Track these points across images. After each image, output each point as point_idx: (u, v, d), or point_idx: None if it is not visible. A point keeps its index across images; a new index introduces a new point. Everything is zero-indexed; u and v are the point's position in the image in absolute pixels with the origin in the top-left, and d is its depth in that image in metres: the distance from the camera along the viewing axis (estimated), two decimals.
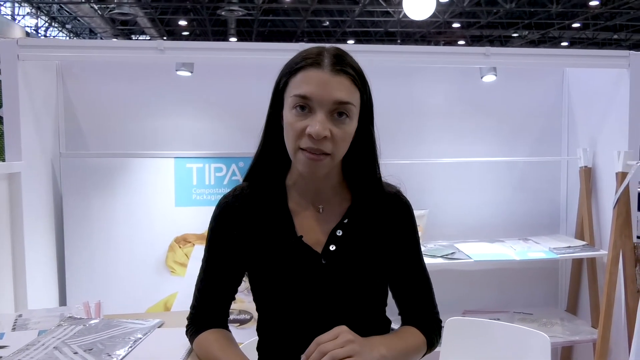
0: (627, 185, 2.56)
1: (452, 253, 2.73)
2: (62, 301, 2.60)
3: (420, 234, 2.84)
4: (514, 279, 3.13)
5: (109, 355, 1.15)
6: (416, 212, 2.88)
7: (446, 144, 3.01)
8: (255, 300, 1.16)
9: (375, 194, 1.15)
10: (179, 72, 2.48)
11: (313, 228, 1.10)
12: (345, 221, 1.11)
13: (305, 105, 1.01)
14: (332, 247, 1.09)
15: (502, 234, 3.05)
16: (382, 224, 1.14)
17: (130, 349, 1.20)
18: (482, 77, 2.76)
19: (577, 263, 3.05)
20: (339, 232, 1.10)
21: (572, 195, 3.11)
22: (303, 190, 1.13)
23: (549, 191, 3.16)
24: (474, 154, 2.99)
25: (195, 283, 1.22)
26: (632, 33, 16.74)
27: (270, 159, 1.12)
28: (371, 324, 1.13)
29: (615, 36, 16.99)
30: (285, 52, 1.99)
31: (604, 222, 2.85)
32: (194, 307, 1.20)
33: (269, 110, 1.13)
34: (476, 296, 3.10)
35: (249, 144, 2.57)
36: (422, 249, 2.82)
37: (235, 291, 1.18)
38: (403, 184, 1.24)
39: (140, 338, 1.27)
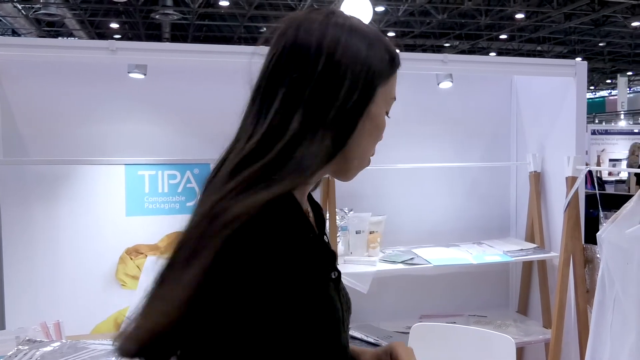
0: (577, 189, 2.66)
1: (411, 258, 2.73)
2: (1, 321, 2.39)
3: (378, 240, 2.85)
4: (467, 283, 3.18)
5: None
6: (374, 218, 2.89)
7: (402, 150, 3.02)
8: None
9: None
10: (131, 75, 2.35)
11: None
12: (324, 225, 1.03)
13: None
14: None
15: (457, 238, 3.10)
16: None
17: None
18: (438, 84, 2.80)
19: (527, 265, 3.14)
20: (326, 238, 0.99)
21: (521, 199, 3.20)
22: (302, 199, 0.90)
23: (500, 195, 3.24)
24: (429, 159, 3.02)
25: None
26: (554, 45, 17.70)
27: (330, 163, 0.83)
28: None
29: (539, 48, 17.92)
30: (244, 55, 1.93)
31: (553, 224, 2.95)
32: None
33: (356, 97, 0.82)
34: (431, 300, 3.12)
35: (205, 151, 2.50)
36: (381, 255, 2.83)
37: None
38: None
39: None
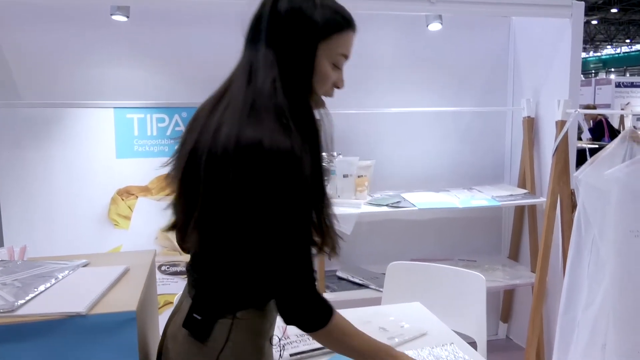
0: (566, 133, 2.62)
1: (398, 202, 2.76)
2: None
3: (366, 184, 2.88)
4: (459, 229, 3.20)
5: (25, 292, 1.12)
6: (363, 163, 2.91)
7: (393, 95, 3.01)
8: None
9: None
10: (114, 17, 2.38)
11: None
12: None
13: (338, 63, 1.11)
14: None
15: (448, 184, 3.10)
16: None
17: (50, 286, 1.17)
18: (427, 26, 2.75)
19: (519, 212, 3.14)
20: None
21: (516, 145, 3.17)
22: None
23: (494, 142, 3.22)
24: (420, 104, 3.01)
25: (293, 256, 1.00)
26: None
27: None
28: None
29: None
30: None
31: (545, 170, 2.92)
32: (312, 278, 1.02)
33: (299, 47, 1.03)
34: (422, 246, 3.16)
35: (193, 95, 2.53)
36: (369, 198, 2.87)
37: None
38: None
39: (62, 276, 1.24)
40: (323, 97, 1.11)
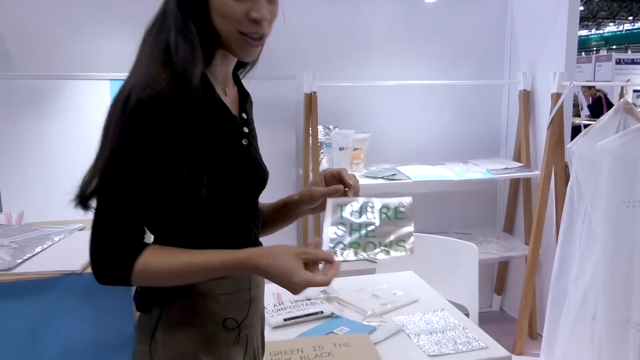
0: (562, 106, 2.63)
1: (393, 175, 2.78)
2: None
3: (362, 157, 2.89)
4: (454, 202, 3.22)
5: (22, 253, 1.14)
6: (358, 136, 2.92)
7: (389, 68, 3.01)
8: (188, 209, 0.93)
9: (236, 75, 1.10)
10: None
11: (232, 110, 1.03)
12: (244, 104, 1.06)
13: None
14: (245, 129, 1.03)
15: (444, 158, 3.12)
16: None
17: (45, 248, 1.20)
18: None
19: (514, 185, 3.16)
20: (244, 115, 1.04)
21: (512, 119, 3.18)
22: (217, 73, 1.00)
23: (490, 115, 3.22)
24: (416, 77, 3.00)
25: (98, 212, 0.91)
26: None
27: (201, 40, 0.93)
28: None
29: None
30: None
31: (540, 144, 2.93)
32: (112, 237, 0.90)
33: None
34: (417, 219, 3.11)
35: None
36: (364, 171, 2.88)
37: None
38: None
39: (58, 239, 1.26)
40: (252, 39, 0.94)
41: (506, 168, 2.91)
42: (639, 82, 8.71)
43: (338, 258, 0.94)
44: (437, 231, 3.10)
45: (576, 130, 2.95)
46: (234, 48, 0.95)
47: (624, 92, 7.59)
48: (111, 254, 0.88)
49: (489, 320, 3.13)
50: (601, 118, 2.24)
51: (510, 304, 3.29)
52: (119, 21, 2.66)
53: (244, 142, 1.01)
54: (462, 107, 3.15)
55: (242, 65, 1.10)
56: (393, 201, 1.03)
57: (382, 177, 2.73)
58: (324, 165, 2.85)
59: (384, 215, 1.01)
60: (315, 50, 2.89)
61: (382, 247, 0.97)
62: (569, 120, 2.83)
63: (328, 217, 1.00)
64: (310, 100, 2.71)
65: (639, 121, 2.12)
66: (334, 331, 1.56)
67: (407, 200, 1.03)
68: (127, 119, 0.86)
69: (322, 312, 1.66)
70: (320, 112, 2.72)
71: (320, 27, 2.90)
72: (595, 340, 2.24)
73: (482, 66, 3.14)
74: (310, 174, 2.80)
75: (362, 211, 1.01)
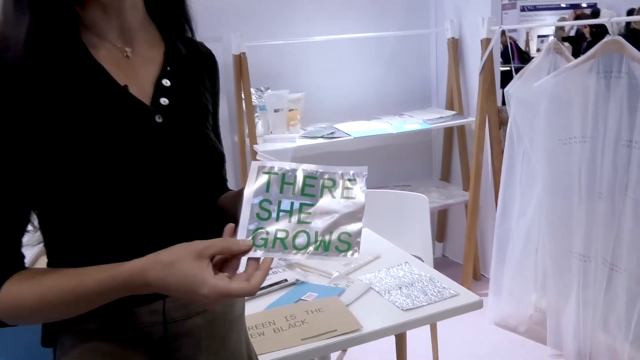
0: (492, 51, 2.65)
1: (332, 133, 2.72)
2: None
3: (297, 117, 2.80)
4: (391, 155, 3.22)
5: None
6: (293, 96, 2.82)
7: (318, 23, 2.91)
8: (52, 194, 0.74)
9: (186, 38, 0.91)
10: None
11: (130, 77, 0.80)
12: (169, 69, 0.85)
13: None
14: (164, 101, 0.82)
15: (379, 112, 3.09)
16: (201, 77, 0.91)
17: None
18: None
19: (448, 133, 3.20)
20: (166, 82, 0.83)
21: (441, 68, 3.19)
22: (103, 30, 0.80)
23: (420, 65, 3.22)
24: (345, 31, 2.92)
25: None
26: None
27: None
28: (209, 209, 0.87)
29: None
30: None
31: (472, 91, 2.97)
32: None
33: None
34: None
35: None
36: (302, 132, 2.80)
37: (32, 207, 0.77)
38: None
39: None
40: None
41: (441, 117, 2.93)
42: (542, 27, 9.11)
43: (256, 254, 0.70)
44: (377, 186, 3.10)
45: (506, 75, 3.00)
46: None
47: (529, 37, 7.92)
48: None
49: (435, 267, 3.20)
50: (533, 60, 2.28)
51: (451, 250, 3.38)
52: None
53: (158, 118, 0.80)
54: (392, 59, 3.12)
55: (172, 22, 0.90)
56: (340, 172, 0.78)
57: (321, 137, 2.67)
58: (259, 129, 2.74)
59: (326, 191, 0.76)
60: (241, 8, 2.74)
61: (318, 242, 0.73)
62: (497, 66, 2.87)
63: (249, 188, 0.75)
64: (240, 62, 2.57)
65: (568, 60, 2.17)
66: (303, 298, 1.50)
67: (358, 171, 0.78)
68: None
69: (286, 280, 1.60)
70: (251, 74, 2.59)
71: None
72: (539, 274, 2.34)
73: (408, 16, 3.11)
74: (247, 140, 2.69)
75: (295, 183, 0.76)
